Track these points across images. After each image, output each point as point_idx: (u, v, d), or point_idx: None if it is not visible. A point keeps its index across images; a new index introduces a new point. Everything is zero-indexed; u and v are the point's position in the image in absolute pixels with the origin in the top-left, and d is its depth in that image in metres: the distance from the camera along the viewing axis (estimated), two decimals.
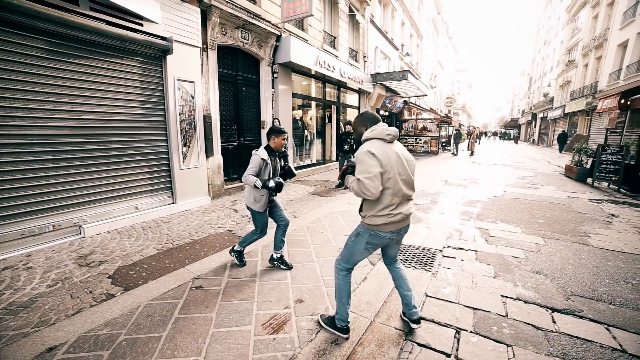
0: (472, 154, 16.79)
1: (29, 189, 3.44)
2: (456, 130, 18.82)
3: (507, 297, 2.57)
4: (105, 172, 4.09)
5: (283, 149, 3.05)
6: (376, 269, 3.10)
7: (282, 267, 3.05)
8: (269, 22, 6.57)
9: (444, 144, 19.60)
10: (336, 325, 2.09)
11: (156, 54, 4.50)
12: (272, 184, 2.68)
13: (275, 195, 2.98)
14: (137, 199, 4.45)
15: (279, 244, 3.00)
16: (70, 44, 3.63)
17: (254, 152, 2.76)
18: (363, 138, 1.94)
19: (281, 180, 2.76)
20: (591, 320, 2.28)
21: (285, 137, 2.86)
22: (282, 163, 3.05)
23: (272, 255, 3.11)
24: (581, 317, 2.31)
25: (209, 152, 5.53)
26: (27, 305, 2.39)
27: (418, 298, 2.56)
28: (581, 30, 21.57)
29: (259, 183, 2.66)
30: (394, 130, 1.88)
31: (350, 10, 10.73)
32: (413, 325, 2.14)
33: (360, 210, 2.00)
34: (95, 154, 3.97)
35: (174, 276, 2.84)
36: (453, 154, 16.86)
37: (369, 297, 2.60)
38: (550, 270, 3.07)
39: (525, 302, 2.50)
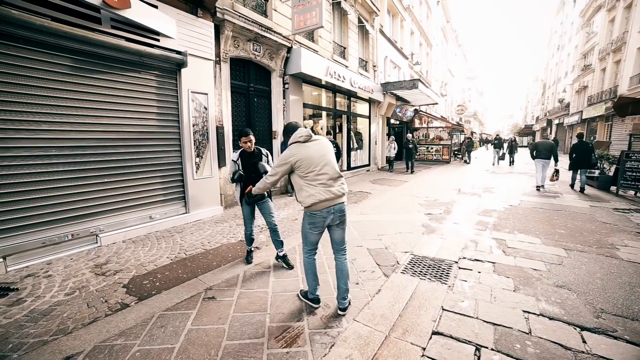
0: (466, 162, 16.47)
1: (50, 199, 3.56)
2: (468, 138, 18.54)
3: (529, 312, 2.45)
4: (121, 183, 4.19)
5: (255, 149, 3.24)
6: (390, 281, 3.03)
7: (284, 266, 3.29)
8: (280, 34, 6.72)
9: (455, 152, 19.31)
10: (308, 297, 2.56)
11: (171, 67, 4.65)
12: (233, 175, 3.10)
13: (256, 198, 3.03)
14: (151, 208, 4.54)
15: (276, 244, 3.32)
16: (91, 60, 3.79)
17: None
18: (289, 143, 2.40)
19: (241, 172, 3.10)
20: (628, 342, 2.11)
21: (246, 140, 3.12)
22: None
23: (276, 253, 3.39)
24: (615, 338, 2.14)
25: (221, 162, 5.61)
26: (47, 312, 2.44)
27: (434, 311, 2.48)
28: (597, 34, 21.10)
29: (230, 177, 3.15)
30: (304, 132, 2.33)
31: (360, 21, 10.88)
32: (339, 312, 2.44)
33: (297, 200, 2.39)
34: (112, 165, 4.09)
35: (187, 286, 2.85)
36: (465, 162, 16.57)
37: (383, 310, 2.53)
38: (576, 284, 2.91)
39: (550, 318, 2.37)
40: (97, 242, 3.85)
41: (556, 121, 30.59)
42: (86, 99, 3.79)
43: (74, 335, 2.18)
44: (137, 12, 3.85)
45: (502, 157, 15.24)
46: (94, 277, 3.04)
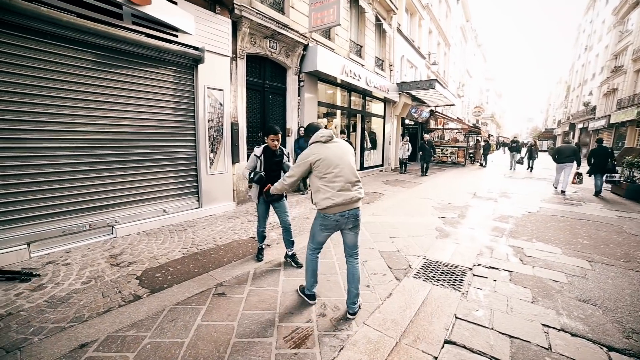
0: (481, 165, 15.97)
1: (70, 189, 3.67)
2: (485, 140, 18.03)
3: (549, 326, 2.33)
4: (137, 176, 4.28)
5: (279, 148, 3.20)
6: (402, 285, 2.97)
7: (293, 264, 3.30)
8: (296, 31, 6.69)
9: (471, 155, 18.84)
10: (305, 293, 2.61)
11: (189, 63, 4.70)
12: (252, 176, 3.01)
13: (274, 197, 3.08)
14: (165, 202, 4.61)
15: (287, 243, 3.31)
16: (112, 55, 3.88)
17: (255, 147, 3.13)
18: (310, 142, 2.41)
19: (262, 173, 3.01)
20: None
21: (275, 138, 3.04)
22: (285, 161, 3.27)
23: (286, 252, 3.38)
24: None
25: (235, 158, 5.65)
26: (65, 300, 2.52)
27: (447, 319, 2.40)
28: (631, 32, 19.83)
29: (247, 175, 3.07)
30: (327, 132, 2.33)
31: (377, 20, 10.73)
32: (349, 316, 2.40)
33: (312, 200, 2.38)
34: (129, 158, 4.17)
35: (198, 281, 2.87)
36: (481, 165, 16.14)
37: (394, 315, 2.47)
38: (601, 300, 2.74)
39: (573, 334, 2.24)
40: (112, 233, 3.95)
41: (580, 125, 29.34)
42: (106, 93, 3.88)
43: (89, 323, 2.23)
44: (157, 8, 3.90)
45: (519, 162, 14.49)
46: (109, 267, 3.12)
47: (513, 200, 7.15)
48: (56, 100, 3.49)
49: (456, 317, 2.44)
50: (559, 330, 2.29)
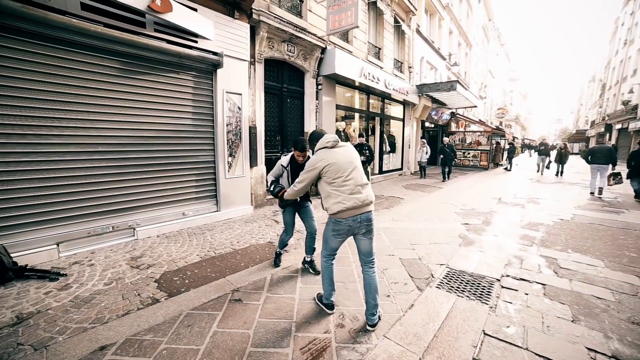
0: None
1: (95, 192, 3.79)
2: (510, 143, 17.26)
3: (596, 351, 2.07)
4: (158, 179, 4.37)
5: (308, 156, 3.08)
6: (424, 296, 2.81)
7: (310, 271, 3.21)
8: (314, 35, 6.68)
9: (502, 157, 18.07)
10: (322, 302, 2.54)
11: (208, 68, 4.78)
12: (272, 188, 2.95)
13: (288, 202, 2.99)
14: (184, 205, 4.68)
15: (308, 249, 3.21)
16: (135, 62, 4.00)
17: (282, 155, 2.97)
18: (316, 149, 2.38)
19: (281, 186, 2.93)
20: None
21: (300, 155, 2.91)
22: None
23: (304, 257, 3.30)
24: None
25: (253, 162, 5.67)
26: (88, 300, 2.58)
27: (474, 335, 2.23)
28: None
29: (268, 184, 3.05)
30: (332, 137, 2.31)
31: (396, 21, 10.56)
32: (368, 328, 2.29)
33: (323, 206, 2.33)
34: (150, 162, 4.27)
35: (215, 286, 2.85)
36: (506, 169, 15.44)
37: (416, 329, 2.33)
38: None
39: None
40: (134, 236, 4.04)
41: (618, 126, 27.30)
42: (129, 98, 4.00)
43: (109, 325, 2.25)
44: (177, 15, 3.99)
45: (548, 166, 13.49)
46: (129, 269, 3.17)
47: (543, 207, 6.73)
48: (83, 106, 3.63)
49: (484, 334, 2.26)
50: (610, 357, 2.03)
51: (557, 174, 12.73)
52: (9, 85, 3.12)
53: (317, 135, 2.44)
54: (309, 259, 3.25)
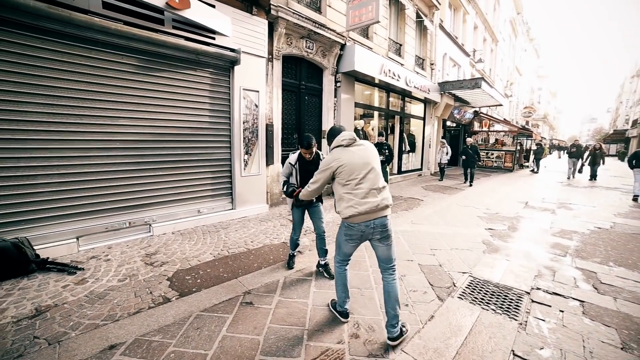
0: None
1: (114, 188, 3.84)
2: (537, 144, 16.33)
3: None
4: (174, 176, 4.39)
5: (316, 153, 3.05)
6: (445, 307, 2.63)
7: (325, 275, 3.10)
8: (333, 31, 6.52)
9: (524, 159, 17.18)
10: (336, 309, 2.40)
11: (225, 65, 4.75)
12: (286, 188, 2.89)
13: (304, 202, 2.96)
14: (199, 202, 4.69)
15: (320, 251, 3.14)
16: (153, 59, 4.01)
17: (291, 153, 3.05)
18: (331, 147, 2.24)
19: (295, 186, 2.86)
20: None
21: (306, 152, 2.90)
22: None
23: (318, 261, 3.20)
24: None
25: (269, 160, 5.61)
26: (102, 296, 2.60)
27: (502, 355, 2.03)
28: None
29: (281, 186, 2.98)
30: (348, 135, 2.16)
31: (418, 16, 10.20)
32: (388, 342, 2.10)
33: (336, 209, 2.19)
34: (167, 159, 4.29)
35: (226, 287, 2.79)
36: (533, 171, 14.63)
37: (437, 344, 2.15)
38: None
39: None
40: (149, 232, 4.07)
41: None
42: (147, 95, 4.02)
43: (120, 323, 2.23)
44: (196, 12, 3.96)
45: (581, 170, 12.41)
46: (143, 266, 3.17)
47: (576, 213, 6.25)
48: (103, 103, 3.68)
49: (514, 355, 2.05)
50: None
51: (590, 178, 11.68)
52: (32, 84, 3.20)
53: (334, 132, 2.29)
54: (323, 262, 3.14)
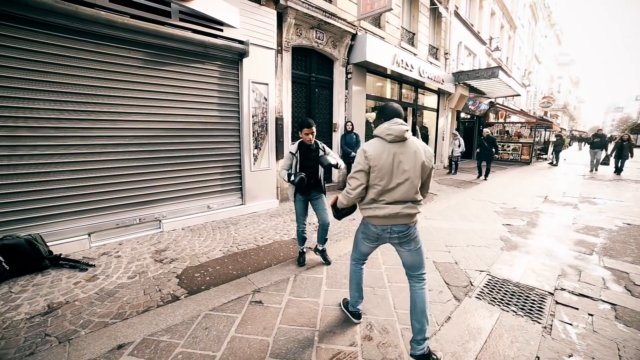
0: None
1: (124, 184, 3.84)
2: (557, 135, 15.65)
3: None
4: (183, 172, 4.35)
5: (314, 142, 3.00)
6: (462, 307, 2.50)
7: (322, 261, 3.21)
8: (344, 20, 6.31)
9: (538, 152, 16.54)
10: (348, 309, 2.30)
11: (233, 57, 4.64)
12: (292, 178, 2.83)
13: (317, 189, 3.05)
14: (209, 198, 4.66)
15: (320, 239, 3.18)
16: (160, 52, 3.94)
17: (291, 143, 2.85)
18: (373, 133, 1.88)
19: (302, 175, 2.81)
20: None
21: (309, 132, 2.87)
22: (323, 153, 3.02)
23: (316, 245, 3.27)
24: None
25: (279, 154, 5.53)
26: (112, 293, 2.58)
27: None
28: None
29: (285, 177, 2.89)
30: (396, 130, 1.75)
31: (432, 3, 9.78)
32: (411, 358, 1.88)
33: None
34: (176, 154, 4.25)
35: (236, 285, 2.74)
36: (552, 164, 14.06)
37: (454, 347, 2.04)
38: None
39: None
40: (159, 228, 4.07)
41: None
42: (155, 90, 3.97)
43: (128, 322, 2.21)
44: (203, 3, 3.86)
45: (605, 162, 11.51)
46: (152, 263, 3.16)
47: (601, 208, 5.92)
48: (111, 99, 3.64)
49: None
50: None
51: (615, 171, 10.83)
52: (40, 80, 3.18)
53: (387, 113, 1.85)
54: (321, 248, 3.21)
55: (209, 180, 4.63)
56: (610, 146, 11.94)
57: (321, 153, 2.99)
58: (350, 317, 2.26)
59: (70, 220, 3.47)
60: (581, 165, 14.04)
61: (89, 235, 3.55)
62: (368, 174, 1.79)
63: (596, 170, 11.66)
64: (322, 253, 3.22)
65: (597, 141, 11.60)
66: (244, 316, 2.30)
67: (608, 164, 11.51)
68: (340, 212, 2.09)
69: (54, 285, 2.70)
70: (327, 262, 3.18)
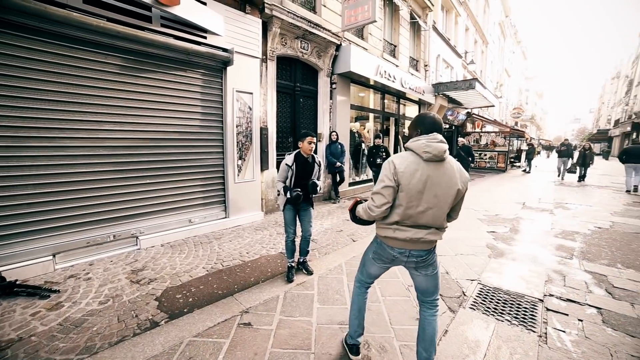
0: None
1: (95, 199, 3.52)
2: (529, 144, 16.54)
3: None
4: (163, 184, 4.09)
5: (311, 156, 3.00)
6: (458, 320, 2.46)
7: (304, 271, 3.17)
8: (329, 31, 6.36)
9: (512, 160, 17.36)
10: (347, 342, 2.03)
11: (217, 65, 4.50)
12: (288, 195, 2.80)
13: (307, 202, 3.03)
14: (191, 212, 4.40)
15: (302, 251, 3.17)
16: (140, 59, 3.74)
17: (287, 154, 2.90)
18: (405, 145, 1.68)
19: (299, 192, 2.80)
20: None
21: (311, 140, 2.85)
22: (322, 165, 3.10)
23: (297, 259, 3.22)
24: None
25: (264, 165, 5.38)
26: (79, 323, 2.28)
27: None
28: None
29: (281, 189, 2.89)
30: (436, 148, 1.53)
31: (412, 17, 10.15)
32: None
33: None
34: (155, 165, 4.00)
35: (222, 306, 2.54)
36: (525, 171, 14.79)
37: None
38: None
39: None
40: (136, 245, 3.77)
41: None
42: (133, 98, 3.74)
43: (98, 357, 1.94)
44: (186, 9, 3.73)
45: (571, 170, 11.97)
46: (128, 285, 2.88)
47: (574, 212, 6.22)
48: (84, 106, 3.37)
49: None
50: None
51: (579, 179, 11.38)
52: (1, 84, 2.88)
53: (427, 124, 1.62)
54: (302, 260, 3.19)
55: (190, 193, 4.39)
56: (576, 154, 12.63)
57: (315, 168, 3.00)
58: (348, 351, 1.99)
59: (30, 240, 3.09)
60: (550, 172, 14.85)
61: (54, 255, 3.19)
62: (396, 191, 1.58)
63: (562, 178, 12.11)
64: (304, 264, 3.19)
65: (563, 149, 12.18)
66: (232, 341, 2.12)
67: (575, 172, 12.01)
68: (358, 220, 1.87)
69: (4, 319, 2.29)
70: (308, 272, 3.14)
